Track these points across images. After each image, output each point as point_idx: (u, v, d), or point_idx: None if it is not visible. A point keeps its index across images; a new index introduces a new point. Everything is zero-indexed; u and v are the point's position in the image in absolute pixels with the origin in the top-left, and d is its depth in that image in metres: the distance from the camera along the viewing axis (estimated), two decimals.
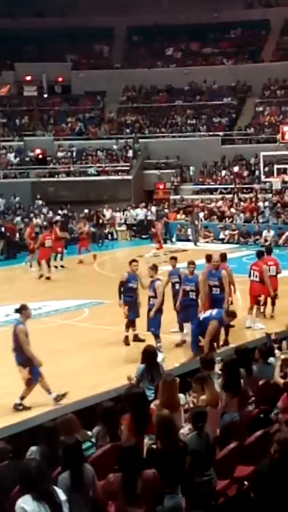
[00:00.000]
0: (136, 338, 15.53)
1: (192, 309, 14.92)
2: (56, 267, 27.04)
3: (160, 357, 13.48)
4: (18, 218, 35.41)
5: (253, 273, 16.85)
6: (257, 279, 16.70)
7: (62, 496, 5.86)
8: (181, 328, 15.38)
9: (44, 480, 5.78)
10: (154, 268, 15.17)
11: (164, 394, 8.16)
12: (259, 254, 17.54)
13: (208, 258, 16.27)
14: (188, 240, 34.35)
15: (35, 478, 5.75)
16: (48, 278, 25.11)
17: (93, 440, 7.65)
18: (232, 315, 13.45)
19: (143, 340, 15.12)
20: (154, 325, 14.66)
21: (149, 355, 9.95)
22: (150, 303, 14.76)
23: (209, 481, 7.05)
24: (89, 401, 9.20)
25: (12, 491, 6.61)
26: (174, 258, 16.48)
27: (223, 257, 16.79)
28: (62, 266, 27.61)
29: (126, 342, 15.51)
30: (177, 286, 15.73)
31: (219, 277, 15.20)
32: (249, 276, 16.98)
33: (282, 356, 9.88)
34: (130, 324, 15.63)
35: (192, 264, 15.46)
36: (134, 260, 16.15)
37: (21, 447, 7.48)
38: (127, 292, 15.60)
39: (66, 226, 32.89)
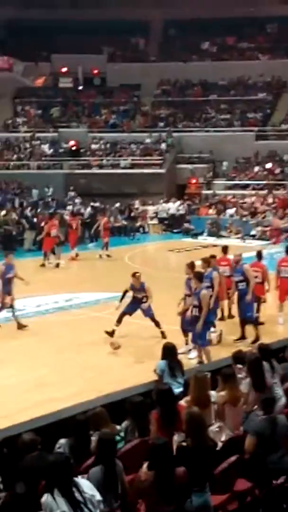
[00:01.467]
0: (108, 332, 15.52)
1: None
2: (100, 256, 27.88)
3: (193, 355, 13.63)
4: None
5: (283, 270, 16.77)
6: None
7: (90, 491, 5.82)
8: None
9: (67, 475, 5.77)
10: (199, 275, 14.05)
11: (195, 391, 8.18)
12: None
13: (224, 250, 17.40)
14: (219, 236, 34.24)
15: (59, 473, 5.77)
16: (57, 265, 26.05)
17: (122, 434, 7.70)
18: None
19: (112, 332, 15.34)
20: (202, 337, 13.67)
21: (168, 351, 10.01)
22: (193, 313, 13.56)
23: (280, 458, 7.31)
24: (119, 395, 9.23)
25: (41, 483, 6.69)
26: (205, 260, 15.52)
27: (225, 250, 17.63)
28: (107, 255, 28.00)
29: (111, 334, 15.42)
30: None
31: (242, 272, 15.20)
32: (279, 273, 16.86)
33: None
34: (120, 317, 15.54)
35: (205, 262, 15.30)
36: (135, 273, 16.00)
37: (50, 439, 7.54)
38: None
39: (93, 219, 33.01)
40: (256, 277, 15.87)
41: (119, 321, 15.39)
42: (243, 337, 15.12)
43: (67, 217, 31.32)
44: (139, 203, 37.98)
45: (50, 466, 5.85)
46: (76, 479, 5.86)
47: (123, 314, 15.42)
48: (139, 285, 15.46)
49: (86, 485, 5.85)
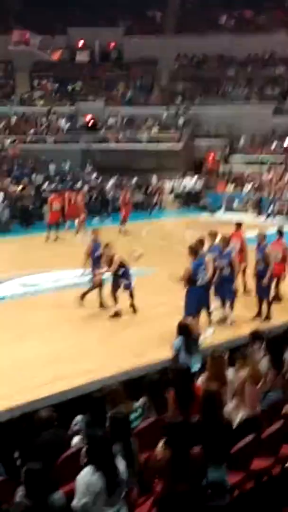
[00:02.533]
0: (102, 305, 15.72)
1: (227, 284, 14.59)
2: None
3: (210, 332, 13.58)
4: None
5: None
6: None
7: (122, 466, 5.89)
8: (223, 304, 14.92)
9: (107, 453, 5.80)
10: (200, 243, 14.53)
11: (212, 369, 8.15)
12: None
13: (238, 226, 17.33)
14: (236, 211, 34.10)
15: (100, 450, 5.79)
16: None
17: (139, 412, 7.69)
18: None
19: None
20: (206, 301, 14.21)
21: (184, 328, 9.98)
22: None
23: None
24: (136, 372, 9.24)
25: (58, 459, 6.70)
26: (212, 234, 15.62)
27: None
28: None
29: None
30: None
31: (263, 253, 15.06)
32: None
33: None
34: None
35: (221, 239, 15.07)
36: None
37: (67, 416, 7.54)
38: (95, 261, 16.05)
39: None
40: (276, 255, 15.84)
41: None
42: (259, 314, 15.05)
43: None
44: (156, 178, 37.80)
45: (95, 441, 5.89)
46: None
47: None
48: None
49: (121, 467, 5.90)
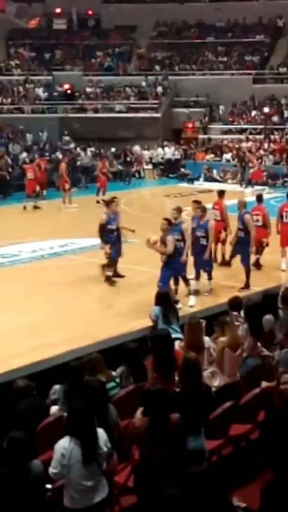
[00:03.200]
0: (116, 275, 15.74)
1: (203, 255, 14.57)
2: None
3: (192, 301, 13.62)
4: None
5: (286, 215, 16.61)
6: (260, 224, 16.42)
7: (102, 437, 5.88)
8: (198, 276, 14.81)
9: (87, 423, 5.78)
10: (179, 210, 14.51)
11: (189, 336, 8.16)
12: None
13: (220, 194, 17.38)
14: (216, 181, 34.06)
15: (79, 420, 5.77)
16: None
17: (117, 380, 7.68)
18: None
19: (123, 276, 15.67)
20: (183, 268, 14.16)
21: (162, 297, 9.97)
22: (177, 247, 13.88)
23: None
24: (113, 341, 9.22)
25: (36, 428, 6.69)
26: (196, 202, 15.64)
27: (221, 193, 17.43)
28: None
29: (110, 281, 15.50)
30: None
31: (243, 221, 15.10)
32: (282, 218, 16.64)
33: None
34: (113, 263, 15.68)
35: (199, 208, 14.99)
36: (111, 201, 16.22)
37: (45, 386, 7.52)
38: (108, 233, 15.66)
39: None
40: (256, 220, 16.06)
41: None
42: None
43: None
44: (139, 148, 37.58)
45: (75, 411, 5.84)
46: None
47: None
48: None
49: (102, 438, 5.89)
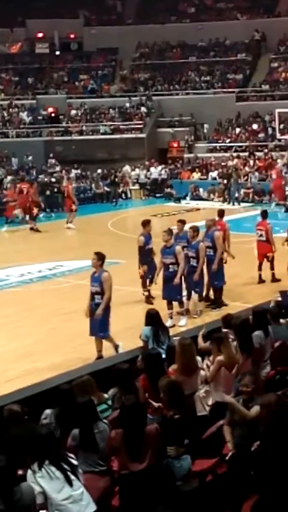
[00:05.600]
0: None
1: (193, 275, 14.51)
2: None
3: (183, 322, 13.59)
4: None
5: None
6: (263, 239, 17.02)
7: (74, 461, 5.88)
8: (189, 296, 14.79)
9: (54, 447, 5.79)
10: (170, 232, 14.47)
11: (182, 357, 8.10)
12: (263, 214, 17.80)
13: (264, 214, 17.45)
14: (202, 199, 34.14)
15: (45, 445, 5.77)
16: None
17: (109, 402, 7.64)
18: None
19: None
20: (178, 292, 14.17)
21: (153, 317, 9.95)
22: (169, 270, 14.02)
23: None
24: (105, 363, 9.18)
25: (27, 454, 6.62)
26: (181, 221, 15.64)
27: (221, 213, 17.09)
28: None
29: (149, 301, 15.41)
30: (185, 251, 14.68)
31: (212, 238, 15.07)
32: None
33: None
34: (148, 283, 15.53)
35: (191, 228, 14.90)
36: (148, 221, 16.04)
37: (37, 410, 7.46)
38: (146, 254, 15.51)
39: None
40: (260, 235, 16.89)
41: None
42: (213, 302, 15.10)
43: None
44: (128, 168, 37.68)
45: (38, 439, 5.89)
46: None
47: None
48: None
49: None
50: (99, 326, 11.87)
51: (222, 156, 38.07)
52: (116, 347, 11.87)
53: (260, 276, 16.90)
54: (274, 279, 16.73)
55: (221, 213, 17.10)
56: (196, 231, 14.80)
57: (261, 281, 16.80)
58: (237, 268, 16.62)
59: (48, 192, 32.46)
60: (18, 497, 5.35)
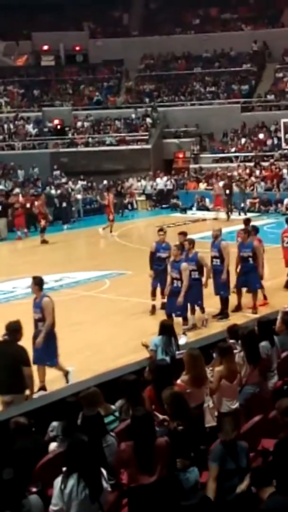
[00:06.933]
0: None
1: (195, 289, 14.33)
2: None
3: (183, 341, 13.44)
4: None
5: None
6: None
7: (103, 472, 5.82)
8: (192, 311, 14.63)
9: (88, 460, 5.70)
10: (181, 247, 14.38)
11: (192, 369, 8.03)
12: None
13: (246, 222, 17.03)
14: (209, 210, 34.16)
15: (81, 458, 5.69)
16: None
17: (117, 414, 7.60)
18: None
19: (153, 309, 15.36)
20: (182, 309, 13.94)
21: (166, 328, 9.90)
22: (174, 285, 13.88)
23: None
24: (112, 374, 9.13)
25: (35, 466, 6.61)
26: (183, 233, 15.46)
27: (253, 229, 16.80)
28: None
29: (152, 311, 15.37)
30: None
31: (219, 248, 14.96)
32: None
33: None
34: (153, 291, 15.46)
35: (187, 241, 14.75)
36: (161, 229, 16.04)
37: (43, 422, 7.44)
38: (156, 262, 15.46)
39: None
40: (287, 242, 16.94)
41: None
42: (221, 312, 15.05)
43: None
44: (134, 180, 37.76)
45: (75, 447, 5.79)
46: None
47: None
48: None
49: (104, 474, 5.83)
50: (46, 354, 11.20)
51: (228, 167, 38.10)
52: (66, 373, 11.39)
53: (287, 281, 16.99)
54: None
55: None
56: (191, 243, 14.67)
57: None
58: None
59: (57, 204, 32.51)
60: (27, 510, 5.34)
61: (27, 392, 9.14)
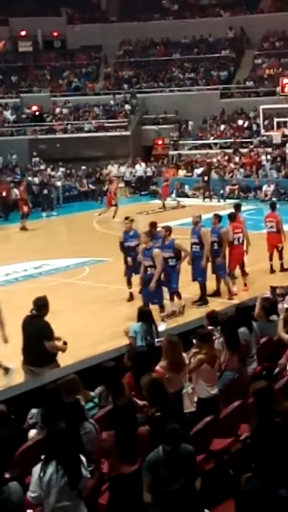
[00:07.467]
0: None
1: (174, 275, 14.38)
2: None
3: (162, 327, 13.41)
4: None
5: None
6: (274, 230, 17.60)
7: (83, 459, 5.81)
8: (172, 297, 14.64)
9: (67, 448, 5.68)
10: (150, 234, 14.41)
11: (171, 355, 8.06)
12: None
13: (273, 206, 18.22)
14: (188, 196, 34.17)
15: (59, 445, 5.67)
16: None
17: (96, 400, 7.60)
18: None
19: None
20: (158, 296, 13.89)
21: (145, 314, 9.90)
22: (147, 273, 13.79)
23: None
24: (91, 361, 9.12)
25: (14, 454, 6.59)
26: (153, 224, 15.45)
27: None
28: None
29: (130, 299, 15.39)
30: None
31: (199, 234, 14.99)
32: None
33: (286, 305, 9.88)
34: (129, 280, 15.48)
35: (163, 228, 14.79)
36: (126, 218, 16.07)
37: (23, 409, 7.42)
38: (127, 251, 15.46)
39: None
40: (271, 227, 17.49)
41: None
42: (200, 299, 15.08)
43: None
44: (116, 167, 37.65)
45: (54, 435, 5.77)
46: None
47: None
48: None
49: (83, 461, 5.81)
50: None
51: (207, 153, 38.08)
52: (6, 370, 11.31)
53: (271, 266, 17.49)
54: (283, 269, 17.49)
55: (273, 205, 18.41)
56: (168, 231, 14.64)
57: (272, 271, 17.41)
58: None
59: (35, 191, 32.37)
60: (6, 496, 5.32)
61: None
